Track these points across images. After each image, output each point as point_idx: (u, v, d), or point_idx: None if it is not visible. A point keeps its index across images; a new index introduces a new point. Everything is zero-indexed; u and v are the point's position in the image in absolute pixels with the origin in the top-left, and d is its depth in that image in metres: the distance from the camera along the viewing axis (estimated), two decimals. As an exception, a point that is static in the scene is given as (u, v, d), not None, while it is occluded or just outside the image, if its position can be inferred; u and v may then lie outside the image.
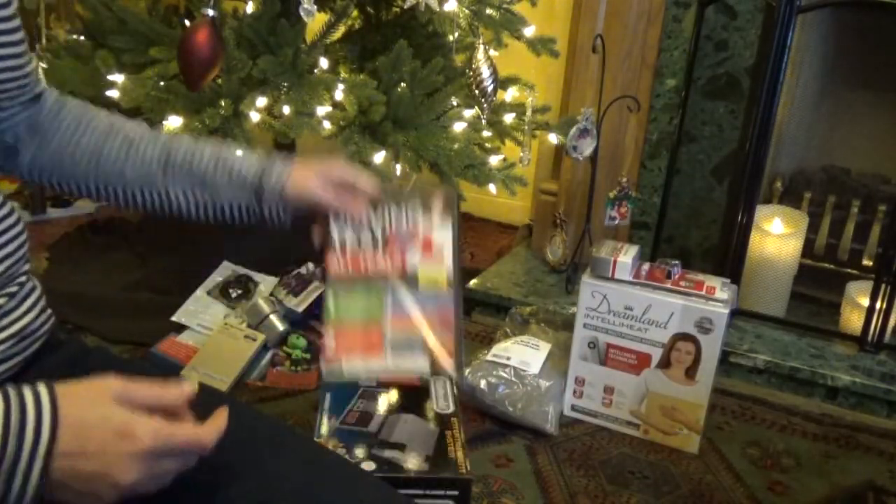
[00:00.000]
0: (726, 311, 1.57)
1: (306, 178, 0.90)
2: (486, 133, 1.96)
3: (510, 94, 2.07)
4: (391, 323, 0.89)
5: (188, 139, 0.91)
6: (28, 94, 0.86)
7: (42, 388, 0.58)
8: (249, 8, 1.75)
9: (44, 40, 2.25)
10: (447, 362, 0.87)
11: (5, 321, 0.70)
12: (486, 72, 1.70)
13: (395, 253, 0.92)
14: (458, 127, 1.84)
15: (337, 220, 0.91)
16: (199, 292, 1.96)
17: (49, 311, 0.78)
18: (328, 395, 1.62)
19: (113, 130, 0.88)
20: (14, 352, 0.72)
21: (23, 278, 0.74)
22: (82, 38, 1.85)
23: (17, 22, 0.77)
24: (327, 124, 1.72)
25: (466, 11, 1.69)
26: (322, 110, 1.69)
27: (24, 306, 0.73)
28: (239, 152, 0.92)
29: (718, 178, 2.16)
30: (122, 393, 0.60)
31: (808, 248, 2.10)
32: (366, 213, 0.91)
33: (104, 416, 0.58)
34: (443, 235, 0.92)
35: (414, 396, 1.36)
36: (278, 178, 0.90)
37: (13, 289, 0.72)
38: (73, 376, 0.74)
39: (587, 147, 2.01)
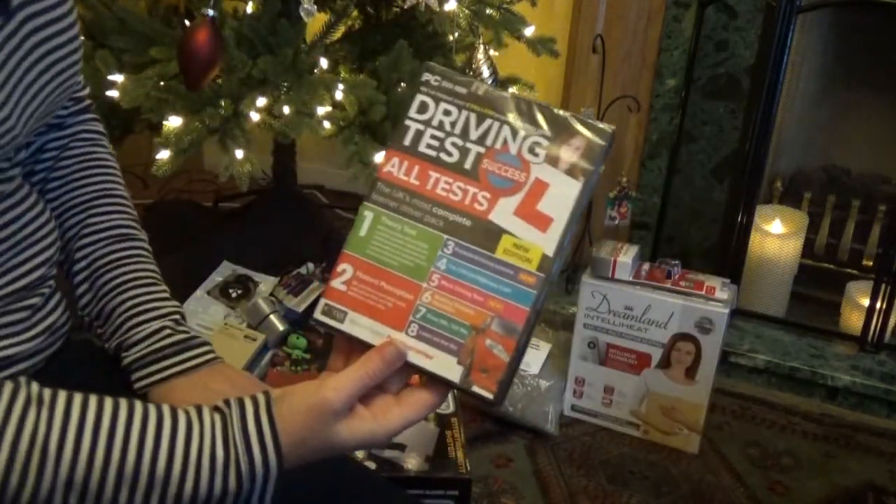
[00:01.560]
0: (726, 311, 1.57)
1: None
2: (486, 133, 1.96)
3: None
4: (433, 291, 0.59)
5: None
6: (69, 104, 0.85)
7: (268, 439, 0.58)
8: (249, 8, 1.75)
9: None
10: (487, 383, 0.57)
11: (38, 317, 0.74)
12: (486, 72, 1.70)
13: (484, 186, 0.60)
14: (458, 127, 1.84)
15: (422, 111, 0.62)
16: (199, 292, 1.96)
17: (67, 310, 0.81)
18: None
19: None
20: (44, 346, 0.75)
21: (52, 281, 0.78)
22: (82, 37, 1.85)
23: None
24: (327, 124, 1.72)
25: (466, 11, 1.69)
26: (322, 110, 1.69)
27: (51, 303, 0.77)
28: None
29: (718, 178, 2.16)
30: (342, 408, 0.58)
31: (808, 248, 2.10)
32: (464, 117, 0.61)
33: (331, 449, 0.60)
34: (564, 192, 0.58)
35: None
36: None
37: (45, 290, 0.76)
38: (87, 372, 0.78)
39: (587, 147, 2.01)
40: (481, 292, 0.58)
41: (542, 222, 0.59)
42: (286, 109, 1.66)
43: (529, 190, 0.59)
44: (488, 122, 0.61)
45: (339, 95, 1.70)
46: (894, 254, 1.84)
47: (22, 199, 0.74)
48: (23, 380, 0.56)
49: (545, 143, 0.60)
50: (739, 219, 1.95)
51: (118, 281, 0.79)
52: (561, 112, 0.60)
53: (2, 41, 0.65)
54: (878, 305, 1.88)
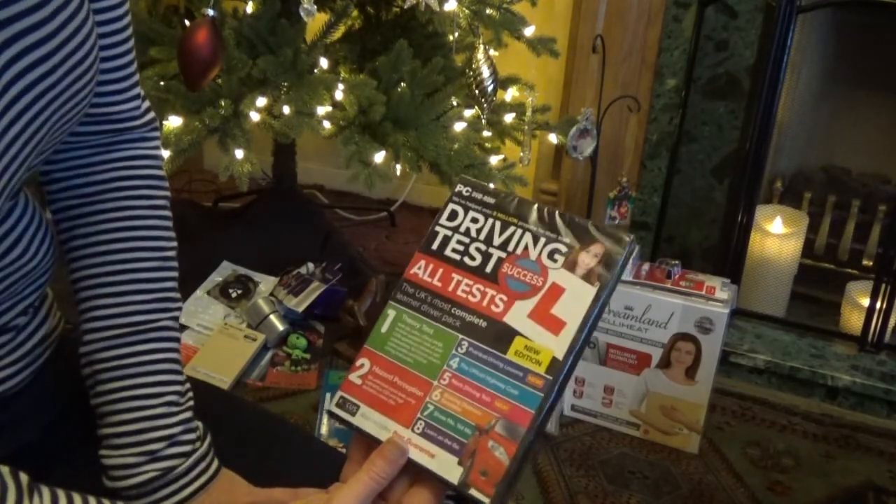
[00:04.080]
0: (726, 311, 1.57)
1: None
2: (486, 133, 1.96)
3: (510, 94, 2.07)
4: (443, 390, 0.60)
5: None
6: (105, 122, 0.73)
7: None
8: (249, 8, 1.75)
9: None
10: (484, 486, 0.56)
11: (24, 335, 0.71)
12: (486, 72, 1.70)
13: (502, 290, 0.62)
14: (458, 127, 1.84)
15: (451, 219, 0.65)
16: (199, 292, 1.96)
17: (58, 312, 0.79)
18: (328, 396, 1.62)
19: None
20: (33, 360, 0.73)
21: (47, 287, 0.75)
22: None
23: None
24: (327, 124, 1.72)
25: (466, 11, 1.69)
26: (322, 110, 1.69)
27: (40, 314, 0.75)
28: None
29: (718, 178, 2.16)
30: None
31: (808, 248, 2.10)
32: (489, 224, 0.64)
33: None
34: (579, 296, 0.60)
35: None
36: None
37: (33, 307, 0.74)
38: (77, 379, 0.74)
39: (587, 147, 2.01)
40: (489, 392, 0.59)
41: (556, 326, 0.59)
42: (286, 109, 1.66)
43: (545, 294, 0.60)
44: (511, 229, 0.63)
45: (339, 95, 1.70)
46: (894, 254, 1.84)
47: (16, 238, 0.65)
48: (24, 483, 0.53)
49: (564, 249, 0.61)
50: (739, 219, 1.95)
51: (113, 386, 0.70)
52: (582, 221, 0.62)
53: None
54: (878, 305, 1.88)
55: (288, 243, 2.13)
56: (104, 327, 0.71)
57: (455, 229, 0.64)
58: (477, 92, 1.71)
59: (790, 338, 1.99)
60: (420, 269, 0.64)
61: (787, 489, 1.57)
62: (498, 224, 0.64)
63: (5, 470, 0.53)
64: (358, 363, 0.62)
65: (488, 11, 1.77)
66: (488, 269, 0.62)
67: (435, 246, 0.64)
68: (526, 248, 0.62)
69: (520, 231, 0.63)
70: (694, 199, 2.20)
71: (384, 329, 0.63)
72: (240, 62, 1.63)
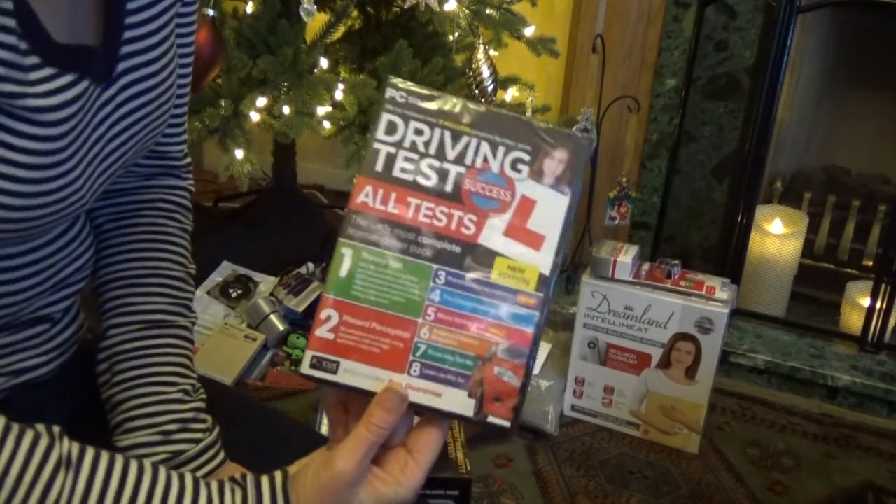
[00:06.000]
0: (726, 311, 1.57)
1: None
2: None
3: (510, 94, 2.07)
4: (431, 326, 0.56)
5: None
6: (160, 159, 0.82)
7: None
8: (249, 8, 1.75)
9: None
10: (502, 411, 0.55)
11: (57, 329, 0.75)
12: (486, 72, 1.70)
13: (469, 209, 0.56)
14: (459, 127, 1.84)
15: (391, 132, 0.57)
16: (199, 292, 1.96)
17: (83, 313, 0.82)
18: (328, 395, 1.61)
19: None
20: (62, 353, 0.76)
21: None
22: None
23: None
24: (327, 124, 1.72)
25: (466, 11, 1.69)
26: (322, 110, 1.69)
27: (70, 313, 0.78)
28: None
29: (718, 178, 2.16)
30: (358, 475, 0.55)
31: (808, 248, 2.10)
32: (437, 135, 0.57)
33: None
34: (553, 205, 0.56)
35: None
36: None
37: (77, 295, 0.77)
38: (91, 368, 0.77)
39: (587, 147, 2.01)
40: (481, 320, 0.56)
41: (535, 241, 0.56)
42: (286, 109, 1.66)
43: (517, 208, 0.56)
44: (465, 139, 0.57)
45: (339, 95, 1.70)
46: (894, 254, 1.84)
47: (75, 234, 0.73)
48: (56, 431, 0.56)
49: (526, 157, 0.57)
50: (739, 219, 1.95)
51: (132, 374, 0.73)
52: (538, 123, 0.58)
53: (96, 109, 0.64)
54: (878, 305, 1.88)
55: (288, 243, 2.13)
56: (129, 322, 0.75)
57: (398, 144, 0.57)
58: (477, 92, 1.71)
59: (790, 338, 1.99)
60: (368, 197, 0.56)
61: (787, 489, 1.57)
62: (448, 134, 0.57)
63: (40, 426, 0.56)
64: (323, 315, 0.56)
65: (488, 11, 1.77)
66: (448, 187, 0.56)
67: (379, 167, 0.57)
68: (485, 159, 0.57)
69: (475, 140, 0.57)
70: (694, 199, 2.20)
71: (343, 273, 0.56)
72: (240, 62, 1.63)
